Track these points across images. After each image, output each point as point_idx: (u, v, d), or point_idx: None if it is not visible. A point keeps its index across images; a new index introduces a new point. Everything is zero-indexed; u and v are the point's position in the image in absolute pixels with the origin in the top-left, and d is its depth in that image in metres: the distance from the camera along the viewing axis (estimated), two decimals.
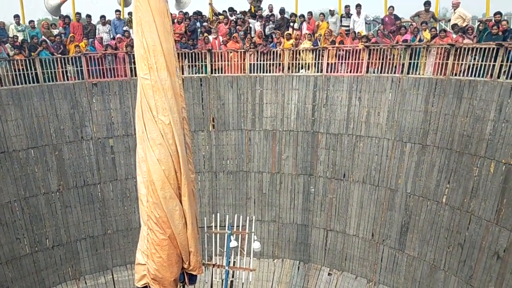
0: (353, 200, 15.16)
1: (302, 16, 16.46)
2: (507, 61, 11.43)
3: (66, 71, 14.51)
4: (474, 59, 12.17)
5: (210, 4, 17.84)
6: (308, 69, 15.35)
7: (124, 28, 15.99)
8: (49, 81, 14.20)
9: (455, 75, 12.62)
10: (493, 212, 11.57)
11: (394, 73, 13.94)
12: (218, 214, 14.02)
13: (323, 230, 15.89)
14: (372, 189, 14.70)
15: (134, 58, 14.38)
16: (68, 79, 14.53)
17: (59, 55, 14.42)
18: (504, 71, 11.48)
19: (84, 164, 14.92)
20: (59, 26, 16.11)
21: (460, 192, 12.50)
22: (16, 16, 15.23)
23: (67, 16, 16.59)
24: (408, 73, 13.62)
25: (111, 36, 16.02)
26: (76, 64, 14.58)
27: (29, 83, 13.88)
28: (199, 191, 16.11)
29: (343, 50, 14.74)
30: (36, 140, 14.02)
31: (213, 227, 13.54)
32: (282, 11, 16.66)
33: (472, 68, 12.18)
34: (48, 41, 14.50)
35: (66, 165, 14.62)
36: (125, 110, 15.22)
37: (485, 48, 11.91)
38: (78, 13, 16.40)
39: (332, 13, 16.12)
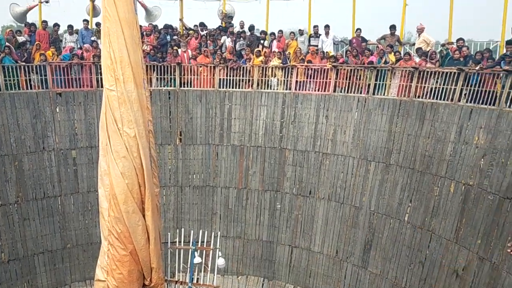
0: (319, 217, 15.26)
1: (273, 34, 16.68)
2: (467, 86, 11.90)
3: (30, 80, 14.10)
4: (437, 82, 12.61)
5: (181, 19, 17.84)
6: (277, 87, 15.50)
7: (92, 38, 15.74)
8: (11, 89, 13.74)
9: (418, 97, 13.03)
10: (453, 231, 11.88)
11: (360, 93, 14.26)
12: (183, 229, 13.82)
13: (288, 246, 15.89)
14: (337, 206, 14.86)
15: (101, 68, 14.30)
16: (31, 88, 14.12)
17: (23, 63, 14.02)
18: (465, 94, 11.94)
19: (45, 175, 14.43)
20: (25, 33, 15.69)
21: (421, 211, 12.80)
22: None
23: (33, 24, 16.18)
24: (373, 93, 13.96)
25: (78, 46, 15.73)
26: (40, 72, 14.20)
27: None
28: (164, 205, 15.85)
29: (311, 68, 14.99)
30: None
31: (177, 243, 13.31)
32: (251, 28, 16.83)
33: (435, 91, 12.62)
34: (11, 47, 14.09)
35: (26, 176, 14.09)
36: (90, 121, 14.88)
37: (447, 72, 12.36)
38: (45, 21, 16.03)
39: (301, 32, 16.42)
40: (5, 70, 13.63)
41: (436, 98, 12.56)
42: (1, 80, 13.54)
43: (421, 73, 12.94)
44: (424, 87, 12.90)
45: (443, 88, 12.40)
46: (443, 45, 14.04)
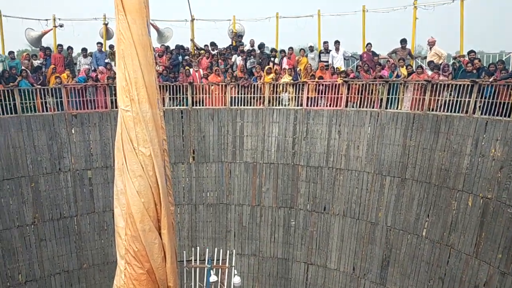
0: (334, 234, 15.11)
1: (283, 51, 16.82)
2: (481, 98, 11.82)
3: (46, 102, 14.36)
4: (450, 95, 12.55)
5: (192, 40, 18.09)
6: (288, 103, 15.56)
7: (106, 61, 16.03)
8: (27, 112, 14.00)
9: (432, 110, 12.96)
10: (472, 245, 11.67)
11: (373, 107, 14.23)
12: (198, 247, 13.82)
13: (304, 264, 15.73)
14: (353, 222, 14.71)
15: (114, 90, 14.53)
16: (47, 110, 14.36)
17: (39, 86, 14.29)
18: (479, 107, 11.85)
19: (61, 196, 14.57)
20: (40, 57, 16.04)
21: (439, 225, 12.61)
22: None
23: (48, 48, 16.55)
24: (386, 107, 13.93)
25: (92, 68, 16.02)
26: (56, 95, 14.46)
27: (7, 113, 13.64)
28: (178, 223, 15.85)
29: (322, 84, 15.04)
30: (12, 171, 13.68)
31: (193, 261, 13.29)
32: (261, 46, 17.00)
33: (448, 103, 12.54)
34: (28, 71, 14.40)
35: (42, 197, 14.25)
36: (105, 142, 15.06)
37: (460, 85, 12.30)
38: (60, 45, 16.38)
39: (311, 49, 16.52)
40: (21, 93, 13.92)
41: (450, 111, 12.48)
42: (17, 103, 13.82)
43: (434, 86, 12.89)
44: (438, 100, 12.84)
45: (457, 101, 12.33)
46: (454, 57, 14.01)
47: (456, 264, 12.08)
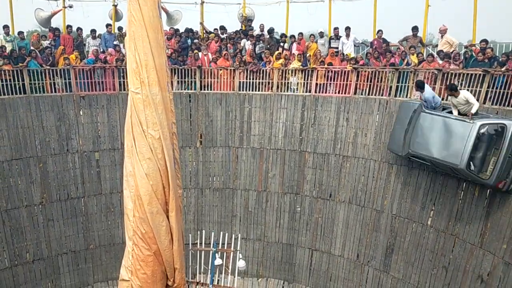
0: (339, 220, 15.17)
1: (293, 36, 16.69)
2: (493, 87, 11.70)
3: (54, 83, 14.38)
4: (461, 84, 12.42)
5: (201, 23, 17.99)
6: (296, 87, 15.50)
7: (115, 43, 15.99)
8: (36, 92, 14.04)
9: (442, 99, 12.84)
10: (477, 235, 11.68)
11: (382, 95, 14.15)
12: (204, 231, 13.92)
13: (308, 250, 15.83)
14: (358, 210, 14.74)
15: (123, 72, 14.53)
16: (56, 91, 14.40)
17: (48, 67, 14.31)
18: (490, 97, 11.74)
19: (69, 177, 14.69)
20: (49, 38, 16.03)
21: (445, 215, 12.61)
22: (6, 27, 15.10)
23: (57, 29, 16.53)
24: (395, 95, 13.84)
25: (101, 50, 15.99)
26: (64, 76, 14.48)
27: (16, 93, 13.70)
28: (185, 207, 15.95)
29: (332, 71, 14.94)
30: (21, 151, 13.79)
31: (198, 244, 13.41)
32: (271, 30, 16.86)
33: None
34: (37, 52, 14.40)
35: (50, 177, 14.37)
36: (112, 124, 15.10)
37: (471, 74, 12.18)
38: (69, 26, 16.34)
39: (321, 35, 16.38)
40: (30, 74, 13.94)
41: None
42: (26, 83, 13.85)
43: (445, 74, 12.77)
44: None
45: (468, 90, 12.20)
46: (466, 46, 13.85)
47: (461, 254, 12.11)
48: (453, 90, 11.09)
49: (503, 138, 10.50)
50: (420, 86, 11.86)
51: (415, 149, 11.90)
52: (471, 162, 10.72)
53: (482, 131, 10.58)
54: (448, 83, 12.17)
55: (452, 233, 12.39)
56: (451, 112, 11.49)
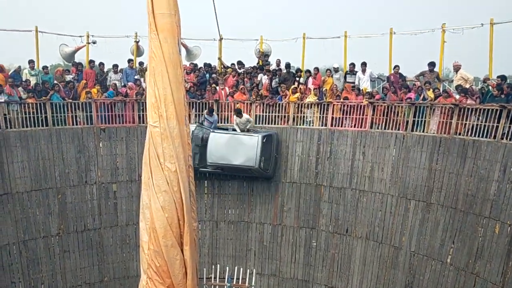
0: (356, 257, 14.89)
1: (308, 71, 16.92)
2: (510, 123, 11.59)
3: (76, 116, 14.78)
4: (478, 119, 12.35)
5: (219, 58, 18.41)
6: (311, 120, 15.61)
7: (136, 77, 16.44)
8: (58, 125, 14.42)
9: (459, 134, 12.76)
10: (499, 274, 11.31)
11: (398, 129, 14.12)
12: (218, 265, 13.82)
13: (325, 286, 15.49)
14: (376, 246, 14.47)
15: (142, 105, 14.87)
16: (77, 124, 14.77)
17: (70, 100, 14.73)
18: (507, 133, 11.62)
19: (86, 208, 14.85)
20: (72, 72, 16.57)
21: (465, 252, 12.29)
22: (31, 61, 15.69)
23: (80, 63, 17.09)
24: (412, 130, 13.80)
25: (122, 84, 16.43)
26: (86, 109, 14.87)
27: (39, 126, 14.09)
28: (200, 240, 15.88)
29: (348, 105, 15.03)
30: (40, 182, 14.05)
31: (212, 279, 13.28)
32: (288, 65, 17.15)
33: (476, 128, 12.34)
34: (60, 85, 14.87)
35: (68, 209, 14.55)
36: (131, 156, 15.34)
37: (488, 109, 12.12)
38: (92, 61, 16.91)
39: (336, 70, 16.57)
40: (53, 107, 14.36)
41: (478, 136, 12.27)
42: (49, 116, 14.26)
43: (462, 110, 12.73)
44: (465, 124, 12.65)
45: (484, 125, 12.13)
46: (484, 81, 13.84)
47: None
48: (239, 114, 14.98)
49: (272, 144, 15.20)
50: (210, 111, 15.50)
51: (212, 160, 15.06)
52: (261, 163, 14.76)
53: (264, 140, 14.74)
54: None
55: (472, 271, 12.03)
56: (234, 130, 15.25)
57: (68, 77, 15.98)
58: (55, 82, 15.14)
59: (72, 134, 14.60)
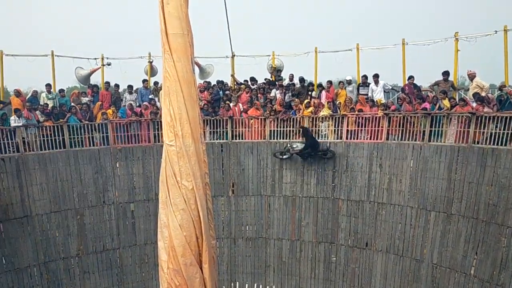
0: (377, 271, 14.64)
1: (321, 85, 16.93)
2: None
3: (93, 137, 14.97)
4: (496, 127, 12.16)
5: (232, 75, 18.55)
6: (326, 137, 15.55)
7: (150, 96, 16.63)
8: (75, 146, 14.61)
9: (477, 143, 12.57)
10: None
11: (415, 140, 13.97)
12: (237, 282, 13.70)
13: None
14: (397, 259, 14.21)
15: (158, 124, 15.01)
16: (94, 145, 14.95)
17: (87, 122, 14.95)
18: None
19: (104, 228, 14.93)
20: (88, 94, 16.84)
21: (488, 263, 12.00)
22: (48, 85, 16.01)
23: (96, 85, 17.39)
24: (429, 140, 13.63)
25: (137, 104, 16.63)
26: (102, 130, 15.06)
27: (56, 148, 14.29)
28: (218, 258, 15.74)
29: (362, 117, 14.95)
30: (59, 204, 14.19)
31: None
32: (301, 79, 17.19)
33: (495, 136, 12.15)
34: (77, 108, 15.12)
35: (87, 229, 14.65)
36: (147, 175, 15.43)
37: (506, 117, 11.93)
38: (107, 82, 17.18)
39: (349, 82, 16.55)
40: (70, 129, 14.57)
41: (497, 144, 12.07)
42: (66, 138, 14.46)
43: (479, 118, 12.56)
44: (483, 132, 12.47)
45: (503, 133, 11.94)
46: (500, 89, 13.66)
47: None
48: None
49: None
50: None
51: None
52: None
53: None
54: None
55: (497, 283, 11.72)
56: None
57: (84, 99, 16.24)
58: (72, 104, 15.40)
59: (89, 155, 14.77)
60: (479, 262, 12.26)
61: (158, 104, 15.95)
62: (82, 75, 17.71)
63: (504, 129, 11.94)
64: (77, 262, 14.47)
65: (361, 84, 16.38)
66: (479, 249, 12.28)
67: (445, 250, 13.08)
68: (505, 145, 11.88)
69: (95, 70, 17.72)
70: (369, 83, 16.13)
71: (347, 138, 15.22)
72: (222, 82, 18.00)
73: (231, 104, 16.44)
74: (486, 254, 12.08)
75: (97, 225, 14.81)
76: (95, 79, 18.44)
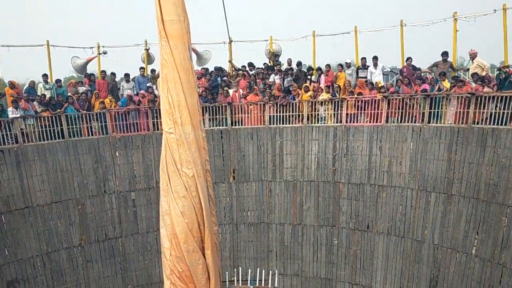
0: (378, 253, 14.73)
1: (319, 69, 16.82)
2: None
3: (91, 127, 14.91)
4: (496, 107, 12.12)
5: (230, 61, 18.42)
6: (324, 120, 15.49)
7: (148, 84, 16.52)
8: (74, 136, 14.56)
9: (477, 123, 12.54)
10: None
11: (415, 122, 13.94)
12: (240, 267, 13.80)
13: (348, 284, 15.37)
14: (398, 241, 14.30)
15: (156, 113, 14.94)
16: (92, 134, 14.89)
17: (85, 111, 14.87)
18: None
19: (106, 217, 14.96)
20: (85, 83, 16.73)
21: (489, 243, 12.07)
22: (45, 75, 15.87)
23: (92, 74, 17.26)
24: (429, 122, 13.60)
25: (135, 92, 16.54)
26: (100, 119, 14.99)
27: (55, 138, 14.24)
28: (220, 244, 15.87)
29: (362, 100, 14.89)
30: (60, 194, 14.19)
31: (235, 282, 13.27)
32: (299, 63, 17.07)
33: (495, 116, 12.11)
34: (74, 98, 15.02)
35: (89, 219, 14.67)
36: (147, 163, 15.42)
37: (506, 96, 11.88)
38: (103, 71, 17.05)
39: (348, 65, 16.44)
40: (68, 119, 14.50)
41: (497, 124, 12.04)
42: (65, 128, 14.39)
43: (478, 98, 12.50)
44: (483, 112, 12.43)
45: (503, 113, 11.90)
46: (499, 69, 13.58)
47: (510, 284, 11.48)
48: None
49: None
50: None
51: None
52: None
53: None
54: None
55: (498, 262, 11.81)
56: None
57: (81, 89, 16.13)
58: (69, 94, 15.31)
59: (88, 144, 14.72)
60: (480, 242, 12.34)
61: (156, 92, 15.86)
62: (79, 64, 17.55)
63: (504, 109, 11.90)
64: (80, 252, 14.53)
65: (360, 67, 16.28)
66: (480, 229, 12.34)
67: (446, 230, 13.15)
68: (505, 124, 11.85)
69: (91, 59, 17.56)
70: (368, 66, 16.03)
71: (346, 122, 15.18)
72: (220, 68, 17.88)
73: (230, 91, 16.35)
74: (487, 234, 12.14)
75: (98, 214, 14.83)
76: (91, 69, 18.32)
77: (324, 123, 15.55)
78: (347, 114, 15.16)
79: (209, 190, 9.01)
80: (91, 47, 17.49)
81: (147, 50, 17.68)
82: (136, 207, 15.36)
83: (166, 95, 8.13)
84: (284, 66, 17.58)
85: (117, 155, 15.12)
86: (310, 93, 15.70)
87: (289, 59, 17.66)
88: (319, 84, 16.28)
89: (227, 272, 14.60)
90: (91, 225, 14.72)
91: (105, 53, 17.43)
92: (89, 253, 14.70)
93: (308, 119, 15.69)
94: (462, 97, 12.88)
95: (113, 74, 17.09)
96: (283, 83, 16.60)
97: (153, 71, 17.11)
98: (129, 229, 15.26)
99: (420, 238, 13.79)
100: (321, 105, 15.56)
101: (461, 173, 12.79)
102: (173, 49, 8.02)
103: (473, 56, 13.92)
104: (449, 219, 13.10)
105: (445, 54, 14.61)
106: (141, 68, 17.21)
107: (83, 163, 14.61)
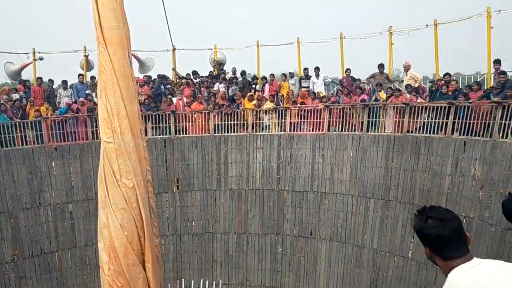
0: (321, 258, 15.01)
1: (264, 78, 17.03)
2: (458, 119, 12.08)
3: (25, 136, 14.15)
4: (428, 116, 12.80)
5: (174, 69, 18.21)
6: (269, 129, 15.68)
7: (87, 92, 15.97)
8: (6, 146, 13.75)
9: (412, 132, 13.17)
10: None
11: (355, 131, 14.41)
12: (183, 279, 13.55)
13: None
14: (340, 246, 14.65)
15: (95, 121, 14.44)
16: (27, 144, 14.14)
17: (18, 120, 14.11)
18: (457, 128, 12.09)
19: (42, 231, 14.19)
20: (19, 90, 15.90)
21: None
22: None
23: (27, 81, 16.45)
24: (367, 130, 14.12)
25: (73, 100, 15.92)
26: (35, 128, 14.28)
27: None
28: (163, 255, 15.50)
29: (305, 109, 15.20)
30: None
31: None
32: (243, 73, 17.19)
33: (427, 125, 12.78)
34: (6, 105, 14.22)
35: (22, 233, 13.85)
36: (86, 174, 14.82)
37: (437, 107, 12.58)
38: (39, 78, 16.30)
39: (291, 75, 16.76)
40: (0, 128, 13.69)
41: (429, 132, 12.71)
42: None
43: (412, 108, 13.14)
44: (417, 122, 13.08)
45: (435, 122, 12.58)
46: (431, 81, 14.37)
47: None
48: None
49: None
50: None
51: None
52: None
53: None
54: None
55: (433, 265, 12.28)
56: None
57: (15, 96, 15.31)
58: (1, 102, 14.47)
59: (22, 154, 13.95)
60: (416, 245, 12.87)
61: (95, 99, 15.33)
62: (12, 70, 16.67)
63: (435, 118, 12.58)
64: (12, 268, 13.67)
65: (303, 77, 16.64)
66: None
67: (384, 235, 13.65)
68: (437, 133, 12.53)
69: (26, 65, 16.74)
70: (311, 76, 16.42)
71: (290, 130, 15.43)
72: (163, 76, 17.63)
73: (173, 99, 16.14)
74: None
75: (33, 227, 14.04)
76: (26, 75, 17.44)
77: (269, 131, 15.72)
78: (290, 123, 15.42)
79: (151, 201, 8.78)
80: (26, 53, 16.68)
81: (86, 56, 17.09)
82: (74, 219, 14.69)
83: (104, 103, 7.84)
84: (229, 75, 17.62)
85: (54, 165, 14.43)
86: (254, 102, 15.83)
87: (233, 68, 17.75)
88: (263, 93, 16.45)
89: (169, 285, 14.31)
90: (25, 239, 13.90)
91: (41, 59, 16.67)
92: (23, 269, 13.86)
93: (252, 127, 15.79)
94: (397, 107, 13.49)
95: (50, 81, 16.38)
96: (227, 92, 16.62)
97: (92, 78, 16.56)
98: (66, 242, 14.56)
99: (360, 243, 14.21)
100: (266, 114, 15.73)
101: (398, 180, 13.35)
102: (111, 55, 7.77)
103: (407, 68, 14.65)
104: (387, 224, 13.61)
105: (381, 66, 15.27)
106: (80, 74, 16.61)
107: (16, 174, 13.81)
